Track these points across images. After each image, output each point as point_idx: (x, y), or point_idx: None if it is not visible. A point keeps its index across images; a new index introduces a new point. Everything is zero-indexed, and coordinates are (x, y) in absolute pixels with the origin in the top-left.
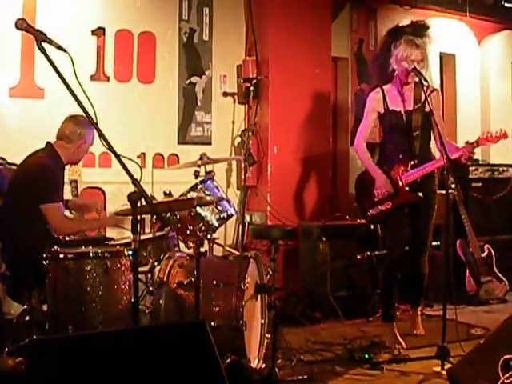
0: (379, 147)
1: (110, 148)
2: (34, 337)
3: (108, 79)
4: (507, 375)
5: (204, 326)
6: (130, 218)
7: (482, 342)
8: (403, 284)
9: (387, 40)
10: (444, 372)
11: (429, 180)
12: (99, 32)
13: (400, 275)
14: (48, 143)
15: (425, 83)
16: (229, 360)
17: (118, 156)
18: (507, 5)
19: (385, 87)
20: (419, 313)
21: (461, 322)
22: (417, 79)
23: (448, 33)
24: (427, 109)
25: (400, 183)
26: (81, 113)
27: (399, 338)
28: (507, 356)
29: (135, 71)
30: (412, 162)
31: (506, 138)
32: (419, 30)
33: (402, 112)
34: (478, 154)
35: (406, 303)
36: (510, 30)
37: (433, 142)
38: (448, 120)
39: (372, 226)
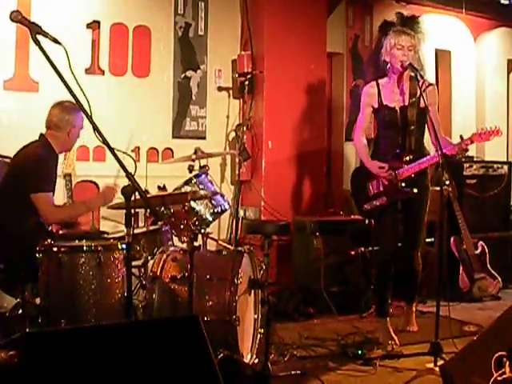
0: (373, 142)
1: (105, 141)
2: (27, 330)
3: (103, 73)
4: (500, 372)
5: (197, 321)
6: (124, 211)
7: (475, 338)
8: (397, 280)
9: (379, 36)
10: (437, 368)
11: (422, 176)
12: (94, 25)
13: (394, 271)
14: (41, 134)
15: (422, 79)
16: (221, 355)
17: (112, 150)
18: (503, 1)
19: (380, 81)
20: (413, 309)
21: (454, 319)
22: (412, 74)
23: (444, 29)
24: (422, 104)
25: (395, 179)
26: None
27: (393, 333)
28: (500, 353)
29: (130, 65)
30: (407, 158)
31: (499, 135)
32: (408, 22)
33: (397, 108)
34: (472, 151)
35: (399, 299)
36: (506, 27)
37: (426, 137)
38: (443, 116)
39: (367, 221)
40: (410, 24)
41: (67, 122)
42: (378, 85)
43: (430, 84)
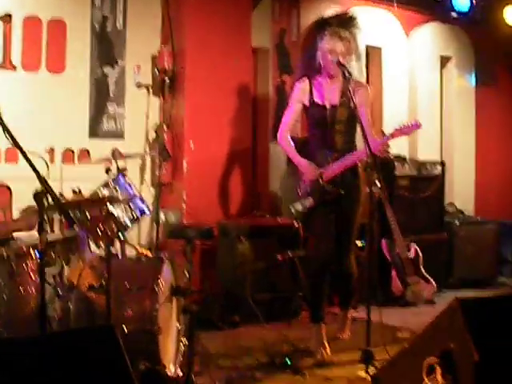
0: (303, 142)
1: (15, 143)
2: None
3: (15, 68)
4: (431, 377)
5: (113, 330)
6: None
7: (406, 344)
8: (331, 285)
9: (312, 32)
10: (368, 377)
11: (351, 175)
12: (6, 18)
13: (329, 275)
14: None
15: (351, 77)
16: (143, 367)
17: (23, 152)
18: None
19: (312, 78)
20: (349, 316)
21: (386, 325)
22: (340, 72)
23: (375, 24)
24: (352, 104)
25: (321, 179)
26: None
27: (325, 341)
28: (431, 358)
29: (44, 60)
30: (332, 157)
31: (418, 128)
32: (346, 22)
33: (327, 106)
34: (404, 150)
35: (330, 305)
36: (439, 22)
37: (359, 137)
38: (374, 114)
39: (296, 224)
40: (347, 24)
41: None
42: (310, 81)
43: (362, 85)
